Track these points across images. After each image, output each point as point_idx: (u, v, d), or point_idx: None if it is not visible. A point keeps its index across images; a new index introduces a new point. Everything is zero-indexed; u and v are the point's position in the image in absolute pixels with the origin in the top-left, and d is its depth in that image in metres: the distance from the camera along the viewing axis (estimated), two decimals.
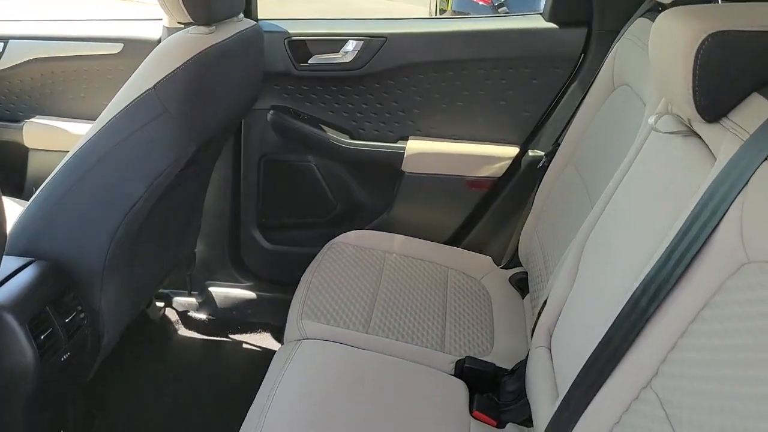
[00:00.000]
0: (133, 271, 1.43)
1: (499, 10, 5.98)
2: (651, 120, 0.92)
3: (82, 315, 1.25)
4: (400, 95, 1.74)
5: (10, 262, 1.22)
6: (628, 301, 0.82)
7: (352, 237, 1.68)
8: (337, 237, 1.68)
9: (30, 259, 1.24)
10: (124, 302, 1.42)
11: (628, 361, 0.79)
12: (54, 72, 1.85)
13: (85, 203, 1.22)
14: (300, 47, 1.72)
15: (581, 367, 0.90)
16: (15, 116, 1.90)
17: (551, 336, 1.12)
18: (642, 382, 0.77)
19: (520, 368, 1.29)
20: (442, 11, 6.46)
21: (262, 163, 1.86)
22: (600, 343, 0.85)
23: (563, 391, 0.95)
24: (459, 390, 1.24)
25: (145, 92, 1.17)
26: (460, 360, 1.32)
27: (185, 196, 1.57)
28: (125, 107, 1.18)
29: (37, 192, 1.25)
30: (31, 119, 1.87)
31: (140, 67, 1.22)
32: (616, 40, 1.44)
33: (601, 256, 1.02)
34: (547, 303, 1.17)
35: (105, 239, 1.24)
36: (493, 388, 1.30)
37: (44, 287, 1.19)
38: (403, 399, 1.18)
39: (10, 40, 1.83)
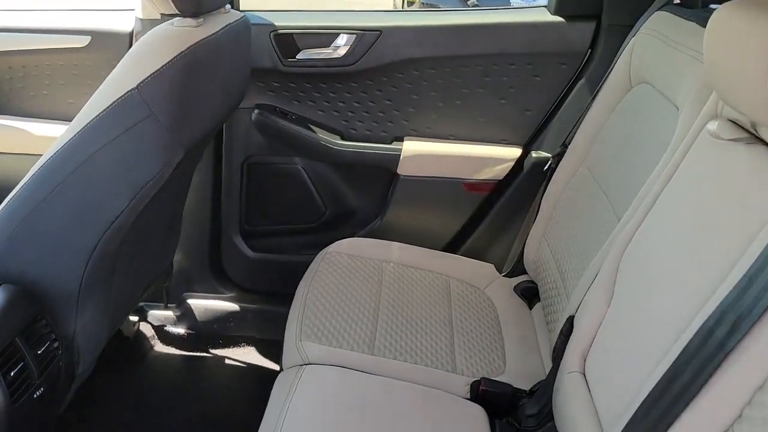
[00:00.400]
0: (111, 289, 1.29)
1: (468, 3, 5.90)
2: (712, 126, 0.83)
3: (56, 344, 1.12)
4: (395, 93, 1.63)
5: None
6: (698, 331, 0.73)
7: (346, 245, 1.57)
8: (331, 246, 1.56)
9: None
10: (102, 324, 1.28)
11: (704, 400, 0.70)
12: (12, 67, 1.69)
13: (58, 219, 1.08)
14: (287, 41, 1.59)
15: (636, 401, 0.80)
16: None
17: (585, 361, 1.03)
18: (721, 426, 0.68)
19: (540, 389, 1.20)
20: (410, 3, 6.35)
21: (245, 165, 1.73)
22: (664, 377, 0.76)
23: (612, 426, 0.86)
24: (478, 416, 1.15)
25: (127, 93, 1.04)
26: (475, 381, 1.22)
27: (166, 204, 1.43)
28: (105, 109, 1.05)
29: (2, 206, 1.10)
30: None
31: (120, 63, 1.09)
32: (630, 35, 1.35)
33: (646, 276, 0.93)
34: (578, 324, 1.08)
35: (81, 259, 1.10)
36: (510, 411, 1.21)
37: (12, 315, 1.05)
38: (421, 428, 1.08)
39: None
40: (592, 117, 1.39)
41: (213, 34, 1.17)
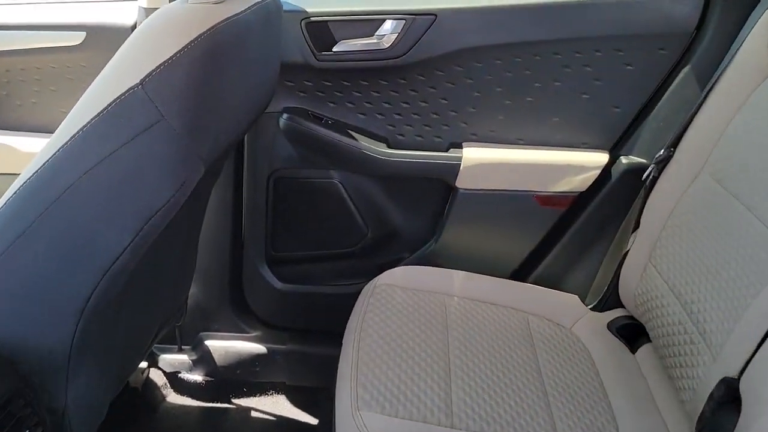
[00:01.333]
0: (112, 346, 1.01)
1: None
2: None
3: (39, 429, 0.84)
4: (452, 90, 1.34)
5: None
6: None
7: (399, 275, 1.28)
8: (381, 276, 1.28)
9: None
10: (100, 389, 1.00)
11: None
12: (10, 69, 1.42)
13: (39, 261, 0.80)
14: (321, 31, 1.32)
15: None
16: None
17: None
18: None
19: None
20: None
21: (271, 180, 1.45)
22: None
23: None
24: None
25: (128, 91, 0.76)
26: None
27: (180, 230, 1.15)
28: (98, 114, 0.77)
29: None
30: None
31: (118, 52, 0.81)
32: (759, 12, 1.07)
33: None
34: (749, 391, 0.79)
35: (70, 313, 0.83)
36: None
37: None
38: None
39: None
40: (710, 114, 1.10)
41: (239, 14, 0.89)
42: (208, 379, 1.61)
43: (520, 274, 1.46)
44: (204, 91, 0.81)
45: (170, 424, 1.52)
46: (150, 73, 0.76)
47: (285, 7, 1.30)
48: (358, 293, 1.26)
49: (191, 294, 1.50)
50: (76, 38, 1.39)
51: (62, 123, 0.81)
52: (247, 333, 1.59)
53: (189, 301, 1.50)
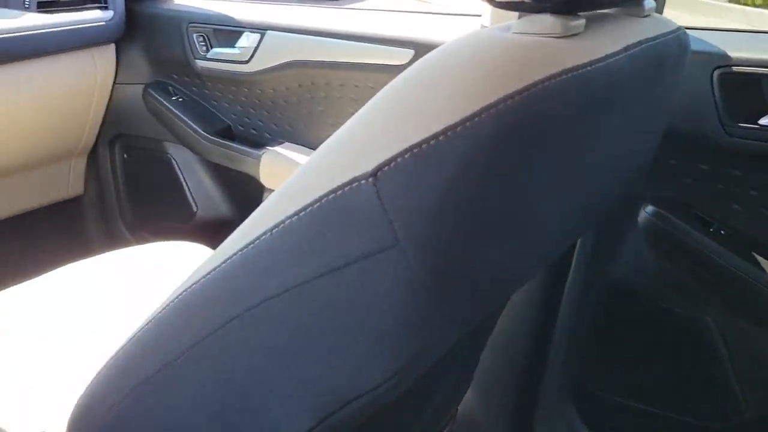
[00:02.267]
0: None
1: None
2: None
3: None
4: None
5: None
6: None
7: None
8: None
9: None
10: None
11: None
12: (315, 83, 1.23)
13: (182, 409, 0.51)
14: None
15: None
16: (261, 139, 1.33)
17: None
18: None
19: None
20: None
21: (609, 294, 0.99)
22: None
23: None
24: None
25: (353, 181, 0.41)
26: None
27: (451, 368, 0.78)
28: (310, 205, 0.43)
29: (121, 347, 0.57)
30: (273, 148, 1.28)
31: (374, 100, 0.47)
32: None
33: None
34: None
35: None
36: None
37: None
38: None
39: (268, 32, 1.25)
40: None
41: (608, 57, 0.47)
42: None
43: None
44: (493, 197, 0.41)
45: None
46: (394, 158, 0.40)
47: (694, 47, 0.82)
48: None
49: (464, 401, 1.13)
50: (403, 56, 1.11)
51: (266, 201, 0.50)
52: None
53: (461, 408, 1.13)
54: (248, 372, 0.46)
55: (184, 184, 1.47)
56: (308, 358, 0.44)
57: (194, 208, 1.47)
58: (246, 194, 1.35)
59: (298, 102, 1.25)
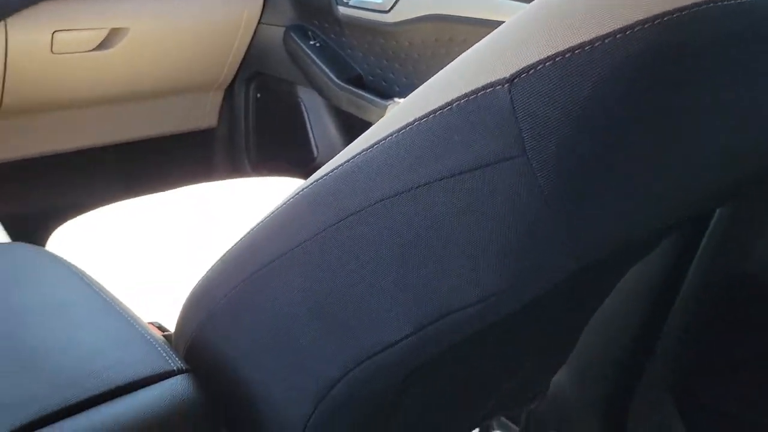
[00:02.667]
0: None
1: None
2: None
3: None
4: None
5: (152, 355, 0.61)
6: None
7: None
8: None
9: (183, 367, 0.61)
10: None
11: None
12: (453, 39, 1.22)
13: (285, 301, 0.53)
14: None
15: None
16: (390, 91, 1.34)
17: None
18: None
19: None
20: None
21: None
22: None
23: None
24: None
25: (488, 86, 0.40)
26: None
27: (546, 311, 0.76)
28: (433, 112, 0.43)
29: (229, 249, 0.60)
30: (401, 100, 1.28)
31: (514, 18, 0.45)
32: None
33: None
34: None
35: (313, 385, 0.54)
36: None
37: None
38: None
39: None
40: None
41: None
42: None
43: None
44: (639, 116, 0.39)
45: None
46: (535, 65, 0.38)
47: None
48: None
49: (556, 381, 1.10)
50: None
51: (395, 107, 0.50)
52: None
53: (552, 388, 1.10)
54: (355, 270, 0.47)
55: (309, 128, 1.52)
56: (415, 263, 0.44)
57: (315, 153, 1.51)
58: None
59: (432, 56, 1.24)
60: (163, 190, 1.15)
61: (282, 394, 0.57)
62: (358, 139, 0.49)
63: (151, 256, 1.00)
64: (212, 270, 0.63)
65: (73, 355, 0.58)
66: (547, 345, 0.82)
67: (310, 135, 1.50)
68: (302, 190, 0.52)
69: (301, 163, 1.53)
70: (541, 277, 0.43)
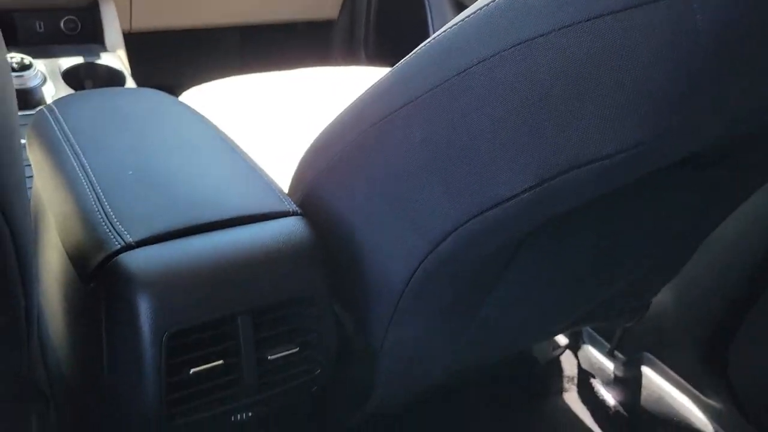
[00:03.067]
0: (468, 320, 0.71)
1: None
2: None
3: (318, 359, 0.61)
4: None
5: (271, 197, 0.64)
6: None
7: None
8: None
9: (297, 210, 0.63)
10: (435, 355, 0.73)
11: None
12: None
13: (408, 158, 0.53)
14: None
15: None
16: None
17: None
18: None
19: None
20: None
21: None
22: None
23: None
24: None
25: None
26: None
27: (669, 209, 0.72)
28: None
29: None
30: None
31: None
32: None
33: None
34: None
35: (413, 245, 0.55)
36: None
37: (295, 268, 0.60)
38: None
39: None
40: None
41: None
42: (618, 407, 1.19)
43: None
44: None
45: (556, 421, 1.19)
46: None
47: None
48: None
49: (658, 301, 1.07)
50: None
51: None
52: (709, 399, 1.09)
53: (652, 307, 1.07)
54: (479, 120, 0.46)
55: (430, 26, 1.48)
56: (548, 111, 0.42)
57: None
58: None
59: None
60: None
61: (389, 248, 0.59)
62: None
63: (267, 128, 1.03)
64: (332, 124, 0.64)
65: (201, 184, 0.61)
66: (659, 249, 0.79)
67: (431, 31, 1.48)
68: (433, 39, 0.51)
69: None
70: (686, 134, 0.40)
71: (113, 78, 1.06)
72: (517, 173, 0.45)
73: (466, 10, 0.50)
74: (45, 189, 0.66)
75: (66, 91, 1.02)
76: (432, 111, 0.50)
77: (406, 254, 0.56)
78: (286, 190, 0.67)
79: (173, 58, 1.57)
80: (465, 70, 0.47)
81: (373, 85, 0.58)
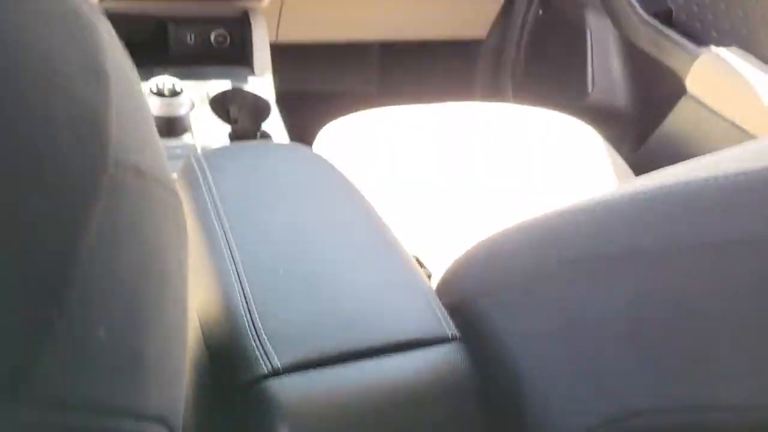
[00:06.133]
0: None
1: None
2: None
3: None
4: None
5: (429, 315, 0.57)
6: None
7: None
8: None
9: (457, 334, 0.56)
10: None
11: None
12: None
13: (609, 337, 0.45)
14: None
15: None
16: (705, 36, 1.13)
17: None
18: None
19: None
20: None
21: None
22: None
23: None
24: None
25: None
26: None
27: None
28: None
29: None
30: (716, 49, 1.07)
31: None
32: None
33: None
34: None
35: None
36: None
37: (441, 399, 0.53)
38: None
39: None
40: None
41: None
42: None
43: None
44: None
45: None
46: None
47: None
48: None
49: None
50: None
51: None
52: None
53: None
54: (706, 307, 0.37)
55: (589, 59, 1.36)
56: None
57: (589, 89, 1.36)
58: (659, 92, 1.19)
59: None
60: (416, 96, 1.10)
61: (559, 401, 0.50)
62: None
63: (411, 172, 0.96)
64: (506, 237, 0.55)
65: (353, 292, 0.55)
66: None
67: (589, 68, 1.35)
68: (636, 190, 0.41)
69: (570, 95, 1.39)
70: None
71: (258, 107, 1.03)
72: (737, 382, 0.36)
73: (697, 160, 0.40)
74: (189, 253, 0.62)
75: (212, 118, 1.00)
76: (658, 274, 0.41)
77: (585, 412, 0.48)
78: (428, 250, 0.60)
79: (313, 69, 1.53)
80: (718, 243, 0.37)
81: (564, 210, 0.50)
